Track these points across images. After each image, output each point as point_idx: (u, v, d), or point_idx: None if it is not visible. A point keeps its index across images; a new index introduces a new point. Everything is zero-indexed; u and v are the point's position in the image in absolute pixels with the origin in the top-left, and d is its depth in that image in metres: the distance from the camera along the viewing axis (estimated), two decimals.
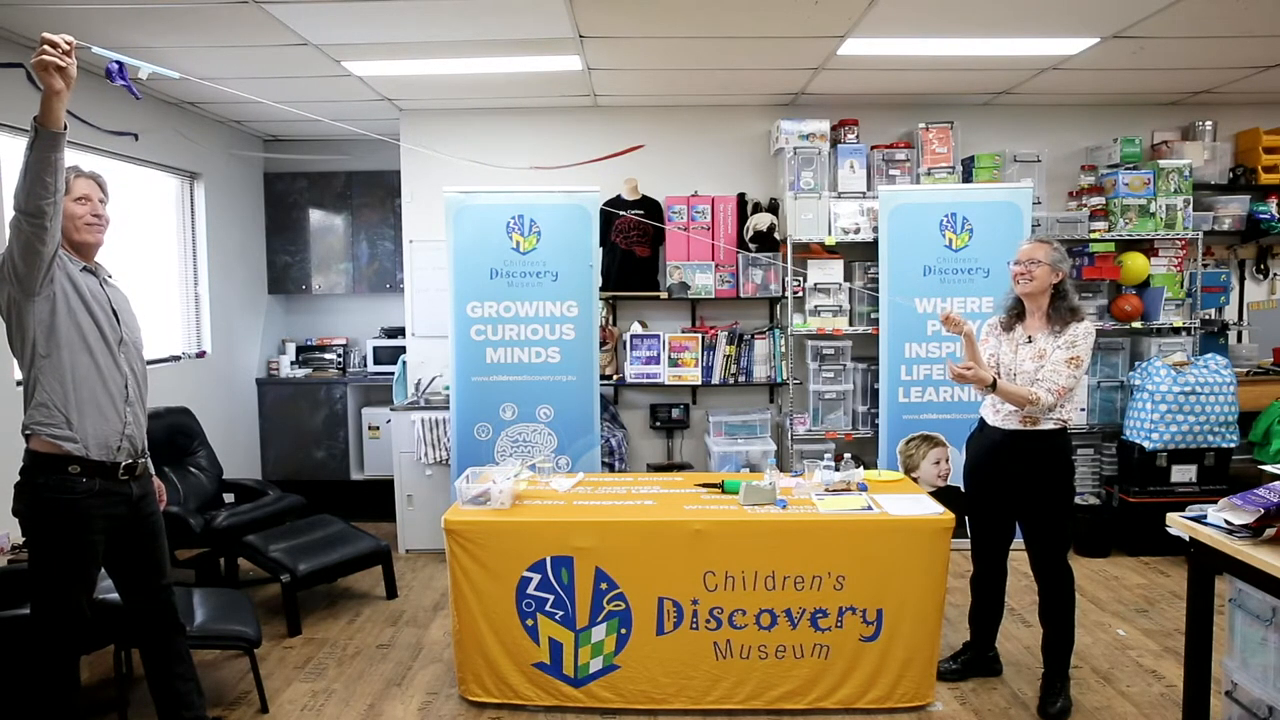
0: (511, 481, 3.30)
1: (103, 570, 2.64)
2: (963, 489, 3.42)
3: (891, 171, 5.24)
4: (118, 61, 2.45)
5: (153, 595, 2.70)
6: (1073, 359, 3.02)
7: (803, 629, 3.09)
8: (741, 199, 5.42)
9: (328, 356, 6.40)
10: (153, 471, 2.76)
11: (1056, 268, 3.07)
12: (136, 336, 2.67)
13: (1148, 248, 5.23)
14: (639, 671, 3.13)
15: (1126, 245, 5.22)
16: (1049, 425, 3.10)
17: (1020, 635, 3.81)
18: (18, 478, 2.48)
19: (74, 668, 2.63)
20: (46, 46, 2.14)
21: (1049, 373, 3.03)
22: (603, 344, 5.19)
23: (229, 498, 4.74)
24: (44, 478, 2.44)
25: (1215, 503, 2.46)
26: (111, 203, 2.65)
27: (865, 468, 3.74)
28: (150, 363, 2.83)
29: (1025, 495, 3.15)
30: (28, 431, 2.46)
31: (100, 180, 2.60)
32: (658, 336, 5.34)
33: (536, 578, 3.11)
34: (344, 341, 6.46)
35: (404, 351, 5.77)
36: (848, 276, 5.26)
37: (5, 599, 3.09)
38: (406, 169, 5.60)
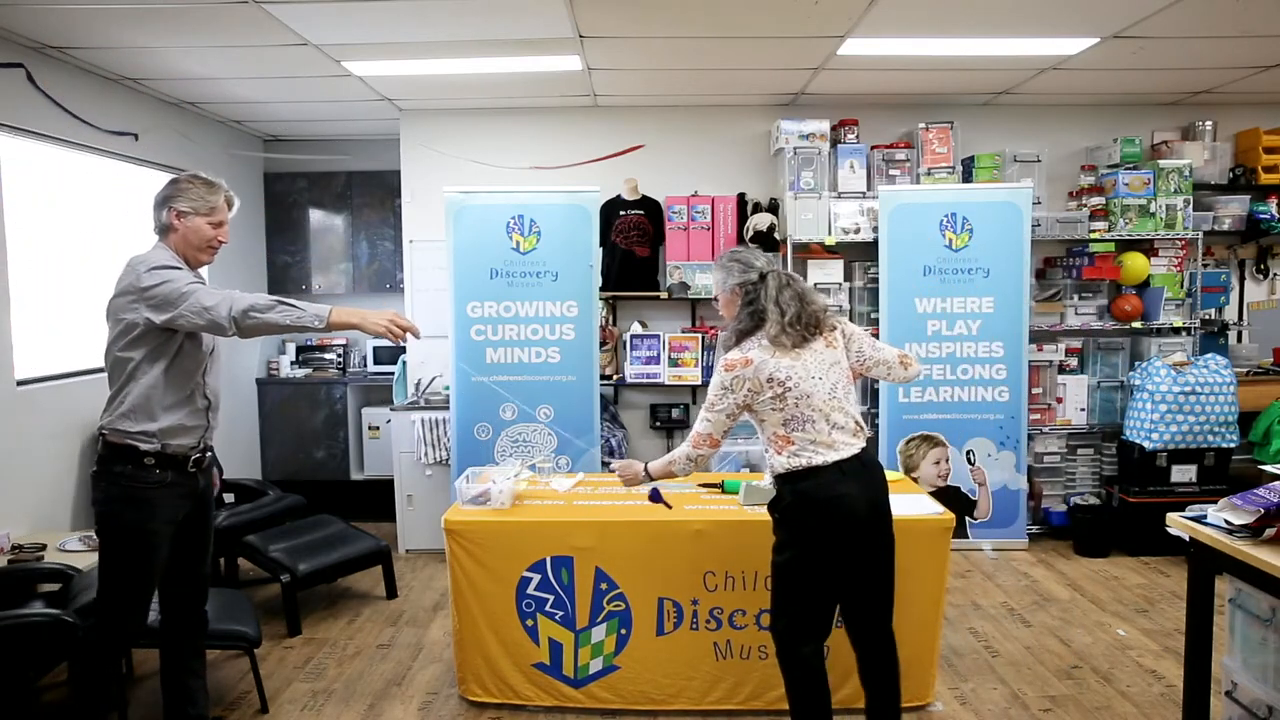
0: (511, 481, 3.30)
1: None
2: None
3: (891, 171, 5.24)
4: (655, 489, 3.17)
5: (194, 585, 2.77)
6: (708, 402, 2.52)
7: None
8: (741, 199, 5.42)
9: (328, 356, 6.40)
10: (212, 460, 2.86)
11: (724, 289, 2.54)
12: (217, 343, 2.78)
13: (1148, 248, 5.23)
14: (639, 672, 3.13)
15: (1126, 245, 5.22)
16: (777, 470, 2.51)
17: (1020, 635, 3.82)
18: (94, 467, 2.57)
19: (119, 661, 2.74)
20: (405, 331, 2.53)
21: None
22: (603, 344, 5.19)
23: (229, 498, 4.74)
24: (121, 466, 2.51)
25: (1215, 503, 2.46)
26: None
27: None
28: None
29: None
30: (105, 432, 2.53)
31: (233, 203, 2.70)
32: (658, 336, 5.34)
33: (536, 578, 3.11)
34: (344, 341, 6.46)
35: (404, 351, 5.77)
36: (848, 276, 5.26)
37: (5, 599, 3.09)
38: (406, 169, 5.60)
